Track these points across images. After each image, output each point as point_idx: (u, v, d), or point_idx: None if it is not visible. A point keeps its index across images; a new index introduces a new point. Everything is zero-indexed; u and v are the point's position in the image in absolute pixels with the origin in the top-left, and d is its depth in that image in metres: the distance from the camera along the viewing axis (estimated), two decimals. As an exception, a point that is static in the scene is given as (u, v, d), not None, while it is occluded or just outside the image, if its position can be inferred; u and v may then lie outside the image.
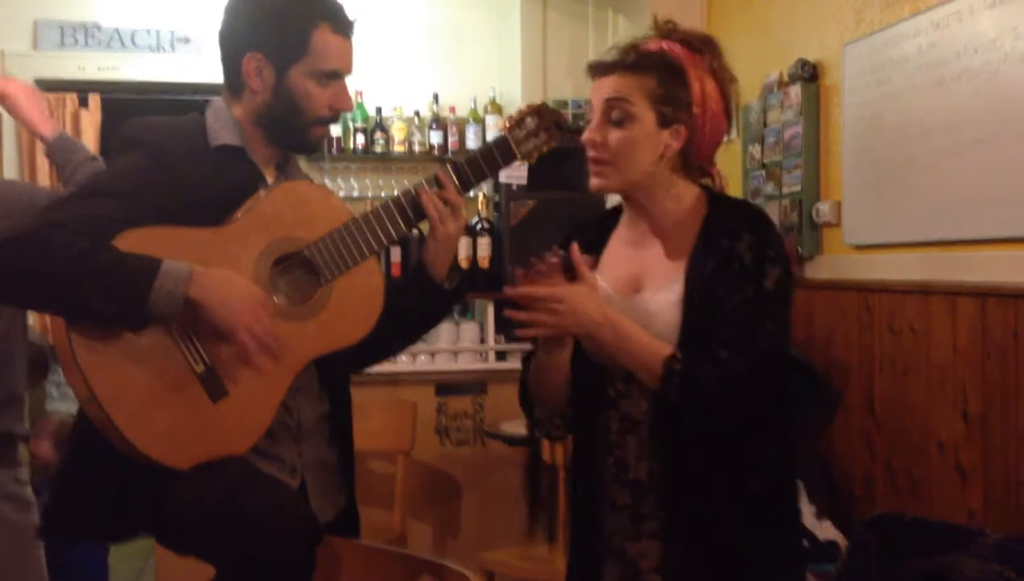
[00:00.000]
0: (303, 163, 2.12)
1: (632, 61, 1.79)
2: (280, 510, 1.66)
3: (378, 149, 5.34)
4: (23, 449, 2.48)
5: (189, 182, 1.76)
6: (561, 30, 5.32)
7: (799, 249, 3.74)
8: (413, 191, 1.90)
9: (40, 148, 4.68)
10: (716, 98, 1.81)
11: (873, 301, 3.36)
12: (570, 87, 5.25)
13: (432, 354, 4.56)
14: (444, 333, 4.60)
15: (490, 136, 5.37)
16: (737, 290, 1.72)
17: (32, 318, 2.78)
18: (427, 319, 2.06)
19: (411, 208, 1.89)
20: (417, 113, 5.41)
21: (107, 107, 5.35)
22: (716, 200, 1.84)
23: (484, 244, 4.56)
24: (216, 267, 1.68)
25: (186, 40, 5.43)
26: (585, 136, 1.81)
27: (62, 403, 3.00)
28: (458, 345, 4.62)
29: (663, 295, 1.77)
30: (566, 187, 4.35)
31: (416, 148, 5.40)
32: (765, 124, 3.99)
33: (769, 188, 3.96)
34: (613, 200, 2.04)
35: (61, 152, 2.54)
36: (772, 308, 1.74)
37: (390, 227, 1.87)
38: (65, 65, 5.35)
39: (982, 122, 2.85)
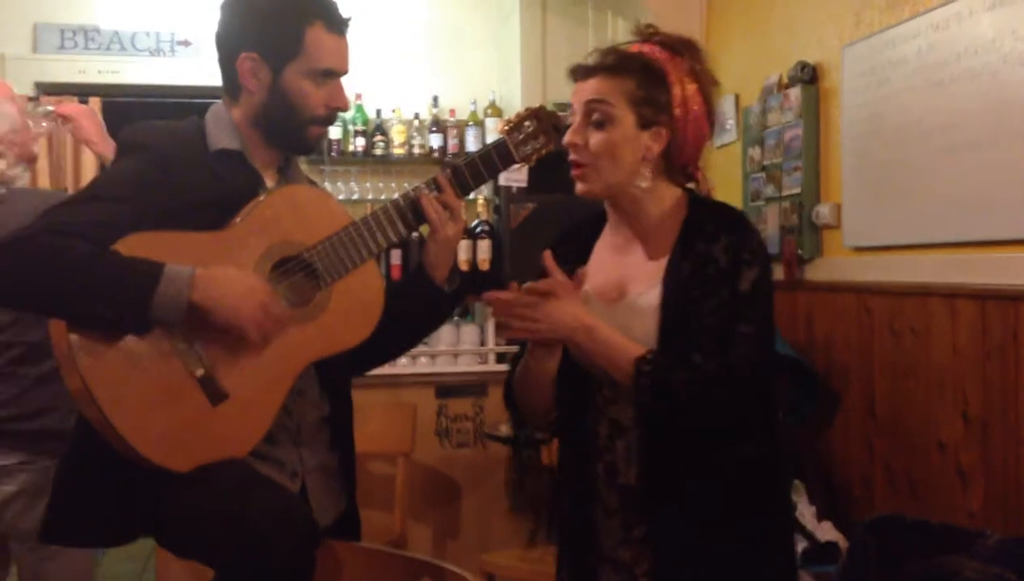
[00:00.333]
0: (304, 166, 2.12)
1: (612, 63, 1.80)
2: (280, 514, 1.65)
3: (378, 152, 5.35)
4: None
5: (189, 186, 1.76)
6: (560, 33, 5.32)
7: (799, 251, 3.74)
8: (413, 194, 1.91)
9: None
10: (698, 100, 1.81)
11: (873, 303, 3.36)
12: (569, 90, 5.23)
13: (432, 356, 4.56)
14: (444, 335, 4.61)
15: (490, 139, 5.37)
16: (712, 293, 1.72)
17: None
18: (428, 322, 2.07)
19: (411, 211, 1.90)
20: (417, 116, 5.42)
21: (107, 110, 5.34)
22: (696, 203, 1.84)
23: (484, 246, 4.56)
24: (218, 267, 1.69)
25: (186, 43, 5.44)
26: (566, 139, 1.82)
27: None
28: (458, 347, 4.62)
29: (644, 299, 1.78)
30: (565, 190, 4.30)
31: (416, 151, 5.40)
32: (765, 126, 4.00)
33: (769, 190, 3.96)
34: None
35: None
36: (748, 310, 1.72)
37: (389, 230, 1.87)
38: (65, 68, 5.35)
39: (981, 124, 2.85)
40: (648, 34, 1.86)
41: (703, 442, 1.74)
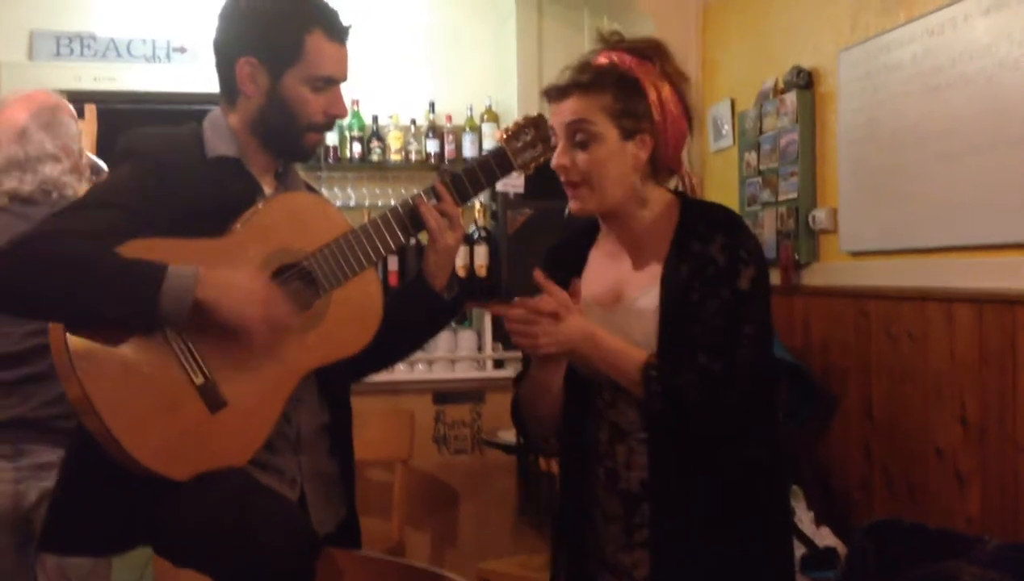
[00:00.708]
0: (301, 172, 2.12)
1: (586, 81, 1.80)
2: (279, 523, 1.65)
3: (375, 158, 5.34)
4: None
5: (187, 193, 1.75)
6: (557, 38, 5.33)
7: (796, 256, 3.75)
8: (411, 202, 1.90)
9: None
10: (674, 101, 1.82)
11: (870, 307, 3.36)
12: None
13: (430, 363, 4.56)
14: (442, 342, 4.60)
15: (486, 144, 5.37)
16: (713, 294, 1.73)
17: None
18: (427, 329, 2.06)
19: (409, 219, 1.89)
20: (414, 122, 5.41)
21: (103, 117, 5.33)
22: (688, 205, 1.86)
23: (481, 253, 4.55)
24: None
25: (182, 50, 5.43)
26: (554, 162, 1.83)
27: None
28: (456, 354, 4.61)
29: (641, 303, 1.78)
30: (562, 196, 4.33)
31: (413, 157, 5.40)
32: (761, 131, 4.00)
33: (765, 195, 3.96)
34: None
35: None
36: (749, 310, 1.74)
37: (388, 238, 1.87)
38: (61, 75, 5.33)
39: (977, 128, 2.85)
40: (613, 41, 1.87)
41: (707, 445, 1.74)
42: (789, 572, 1.91)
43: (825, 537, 3.30)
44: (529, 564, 3.61)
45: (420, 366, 4.54)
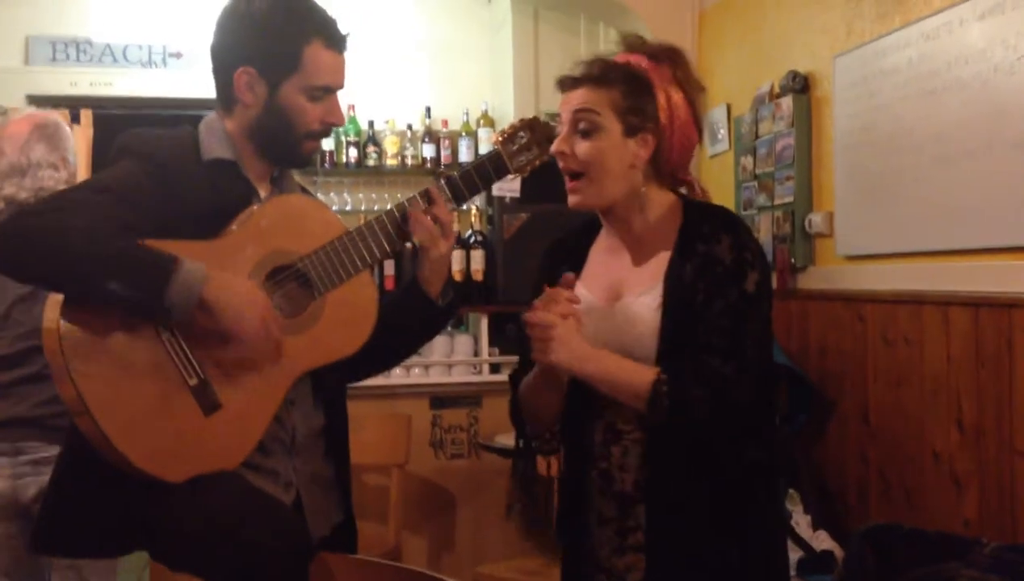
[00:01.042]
0: (296, 176, 2.12)
1: (597, 74, 1.82)
2: (274, 527, 1.65)
3: (371, 163, 5.35)
4: None
5: (182, 195, 1.75)
6: (553, 43, 5.33)
7: (792, 260, 3.75)
8: (407, 205, 1.90)
9: None
10: (683, 107, 1.83)
11: (866, 311, 3.37)
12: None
13: (426, 367, 4.55)
14: (438, 346, 4.60)
15: (483, 149, 5.37)
16: (720, 294, 1.73)
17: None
18: (422, 335, 2.06)
19: (404, 222, 1.89)
20: (410, 126, 5.42)
21: (99, 122, 5.33)
22: (691, 206, 1.86)
23: (478, 257, 4.55)
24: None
25: (178, 55, 5.43)
26: (553, 147, 1.85)
27: None
28: (452, 358, 4.61)
29: (643, 299, 1.78)
30: (559, 200, 4.32)
31: (409, 161, 5.40)
32: (757, 135, 4.00)
33: (761, 199, 3.96)
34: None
35: None
36: (755, 312, 1.74)
37: (384, 241, 1.87)
38: (57, 81, 5.34)
39: (973, 132, 2.86)
40: (633, 44, 1.88)
41: (706, 447, 1.74)
42: (784, 574, 1.91)
43: (822, 541, 3.30)
44: (526, 568, 3.61)
45: (417, 370, 4.54)
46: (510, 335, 4.52)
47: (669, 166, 1.85)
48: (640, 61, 1.84)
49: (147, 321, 1.65)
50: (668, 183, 1.88)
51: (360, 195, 5.41)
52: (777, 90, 3.90)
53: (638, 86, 1.81)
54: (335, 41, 1.85)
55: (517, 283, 4.38)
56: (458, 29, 5.62)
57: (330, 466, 1.93)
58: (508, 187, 4.52)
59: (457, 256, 4.49)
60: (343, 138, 5.22)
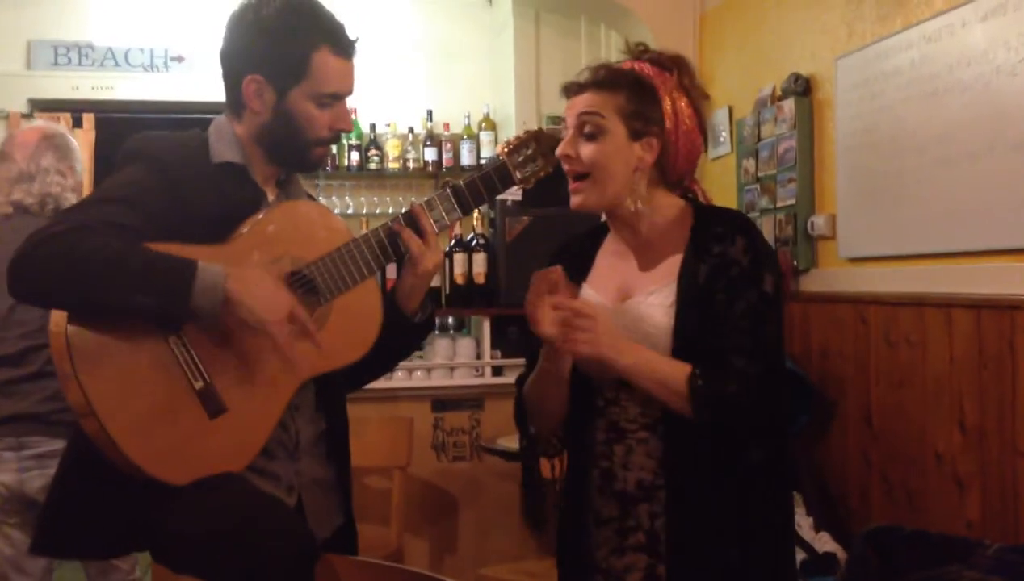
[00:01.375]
0: (300, 180, 2.12)
1: (603, 79, 1.83)
2: (277, 530, 1.65)
3: (372, 166, 5.35)
4: None
5: (191, 197, 1.75)
6: (554, 46, 5.33)
7: (795, 262, 3.75)
8: (412, 210, 1.90)
9: None
10: (689, 114, 1.85)
11: (869, 313, 3.37)
12: (563, 103, 5.25)
13: (428, 370, 4.55)
14: (440, 349, 4.59)
15: (484, 152, 5.38)
16: (740, 296, 1.74)
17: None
18: (396, 351, 2.03)
19: (413, 228, 1.89)
20: (411, 130, 5.42)
21: (101, 126, 5.35)
22: (701, 209, 1.88)
23: (480, 260, 4.55)
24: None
25: (180, 59, 5.44)
26: (558, 150, 1.86)
27: None
28: (454, 360, 4.61)
29: (655, 298, 1.79)
30: (561, 204, 4.32)
31: (410, 165, 5.40)
32: (759, 138, 4.01)
33: (764, 202, 3.97)
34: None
35: None
36: (773, 312, 1.77)
37: (389, 248, 1.87)
38: (59, 85, 5.35)
39: (975, 134, 2.86)
40: (638, 52, 1.90)
41: (721, 448, 1.74)
42: (792, 573, 1.92)
43: (824, 543, 3.30)
44: (528, 571, 3.60)
45: (419, 373, 4.53)
46: (512, 338, 4.52)
47: (675, 172, 1.87)
48: (645, 68, 1.86)
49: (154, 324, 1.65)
50: (674, 190, 1.89)
51: (362, 198, 5.41)
52: (779, 92, 3.91)
53: (643, 91, 1.82)
54: (343, 47, 1.85)
55: (519, 286, 4.34)
56: (459, 32, 5.62)
57: (331, 469, 1.93)
58: (510, 191, 4.51)
59: (459, 259, 4.49)
60: (345, 141, 5.23)
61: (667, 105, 1.82)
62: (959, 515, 2.91)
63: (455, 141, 5.43)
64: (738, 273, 1.75)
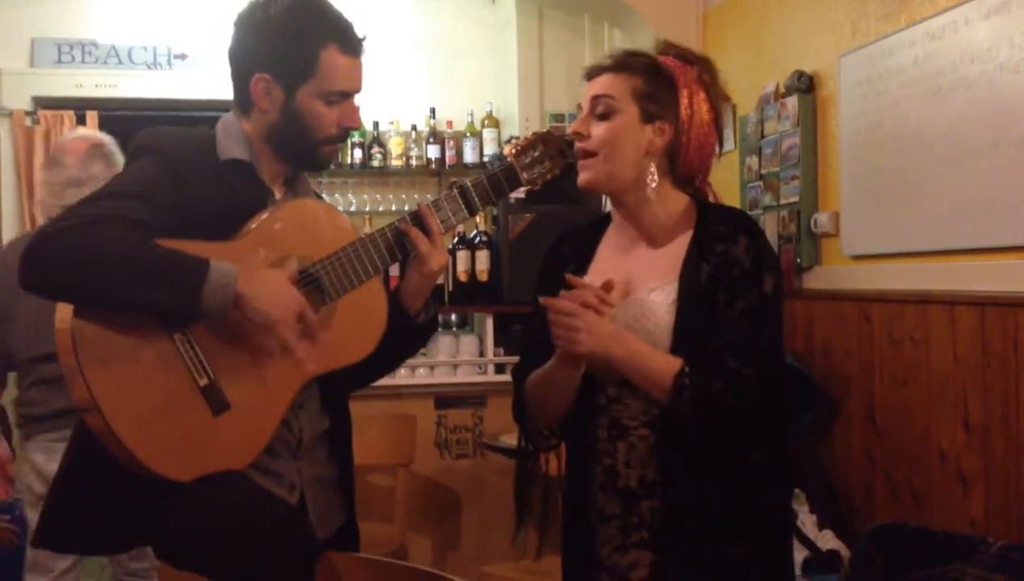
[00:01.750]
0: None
1: (620, 61, 1.86)
2: (280, 528, 1.65)
3: (375, 163, 5.36)
4: None
5: (199, 193, 1.75)
6: (557, 43, 5.34)
7: (798, 260, 3.74)
8: (420, 211, 1.90)
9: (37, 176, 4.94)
10: (705, 108, 1.86)
11: (872, 311, 3.36)
12: (567, 100, 5.26)
13: (431, 367, 4.55)
14: (443, 346, 4.60)
15: (487, 150, 5.38)
16: (739, 295, 1.74)
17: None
18: (399, 350, 2.02)
19: (420, 228, 1.89)
20: (414, 127, 5.42)
21: (105, 124, 5.34)
22: (705, 207, 1.88)
23: (483, 257, 4.55)
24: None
25: (183, 56, 5.45)
26: (571, 128, 1.88)
27: None
28: (457, 358, 4.61)
29: (655, 296, 1.79)
30: (564, 201, 4.35)
31: (413, 162, 5.41)
32: (762, 135, 4.00)
33: (767, 199, 3.96)
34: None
35: None
36: (772, 312, 1.76)
37: (396, 247, 1.87)
38: (62, 83, 5.36)
39: (979, 132, 2.86)
40: (666, 48, 1.92)
41: (717, 446, 1.74)
42: (790, 571, 1.92)
43: (828, 540, 3.29)
44: (531, 568, 3.60)
45: (422, 370, 4.54)
46: (515, 335, 4.52)
47: (687, 166, 1.87)
48: (669, 61, 1.88)
49: (159, 321, 1.65)
50: (687, 189, 1.90)
51: (365, 196, 5.42)
52: (782, 90, 3.90)
53: (659, 76, 1.84)
54: (351, 45, 1.84)
55: (522, 283, 4.38)
56: (462, 30, 5.63)
57: (334, 468, 1.93)
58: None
59: (462, 256, 4.49)
60: (348, 139, 5.23)
61: (684, 96, 1.84)
62: (963, 513, 2.91)
63: (458, 138, 5.43)
64: (738, 273, 1.75)
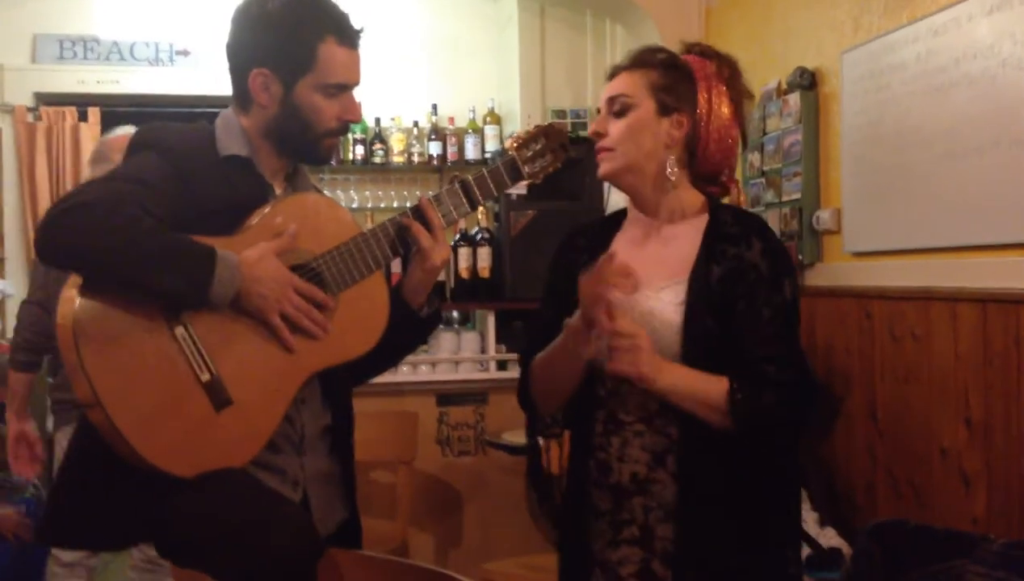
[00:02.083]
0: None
1: (637, 58, 1.87)
2: (282, 525, 1.65)
3: (377, 160, 5.35)
4: None
5: (199, 188, 1.76)
6: (559, 40, 5.33)
7: (799, 256, 3.74)
8: (421, 205, 1.90)
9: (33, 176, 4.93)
10: (726, 105, 1.86)
11: (874, 308, 3.36)
12: (568, 97, 5.26)
13: (433, 364, 4.56)
14: (445, 343, 4.60)
15: (489, 146, 5.37)
16: (765, 302, 1.75)
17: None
18: (401, 345, 2.02)
19: (422, 222, 1.89)
20: (416, 124, 5.42)
21: (107, 120, 5.35)
22: (718, 207, 1.88)
23: (484, 254, 4.55)
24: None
25: (185, 53, 5.44)
26: (589, 129, 1.91)
27: None
28: (459, 355, 4.61)
29: (664, 294, 1.79)
30: (566, 198, 4.35)
31: (415, 159, 5.40)
32: (764, 132, 4.00)
33: (769, 196, 3.96)
34: (613, 208, 2.07)
35: None
36: (795, 317, 1.79)
37: (397, 242, 1.87)
38: (64, 79, 5.36)
39: (981, 128, 2.85)
40: (690, 47, 1.93)
41: (739, 453, 1.74)
42: (798, 570, 1.92)
43: (830, 538, 3.29)
44: (533, 565, 3.60)
45: (423, 367, 4.54)
46: (517, 332, 4.52)
47: (707, 161, 1.87)
48: (690, 59, 1.89)
49: (160, 316, 1.66)
50: (710, 187, 1.90)
51: (366, 192, 5.42)
52: (784, 86, 3.90)
53: (676, 70, 1.85)
54: (349, 37, 1.84)
55: (524, 280, 4.38)
56: (464, 26, 5.62)
57: (336, 464, 1.94)
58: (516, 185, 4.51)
59: (464, 253, 4.49)
60: (349, 135, 5.22)
61: (703, 90, 1.84)
62: (964, 510, 2.91)
63: (460, 135, 5.43)
64: (757, 278, 1.75)
